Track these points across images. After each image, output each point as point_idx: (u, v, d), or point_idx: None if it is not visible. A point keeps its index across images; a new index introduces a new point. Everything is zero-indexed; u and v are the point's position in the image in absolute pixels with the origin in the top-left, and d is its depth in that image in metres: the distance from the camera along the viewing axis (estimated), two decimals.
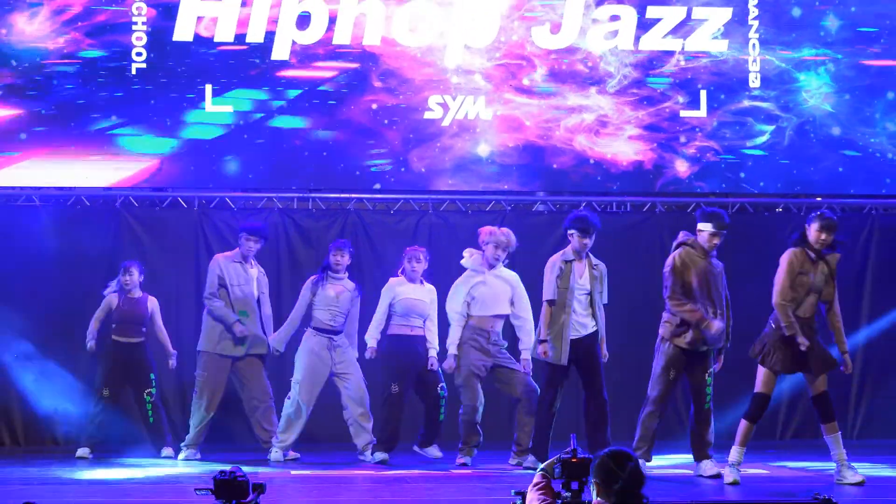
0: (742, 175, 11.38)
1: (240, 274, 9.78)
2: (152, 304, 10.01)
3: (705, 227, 8.63)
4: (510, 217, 11.05)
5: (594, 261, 9.11)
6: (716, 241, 8.58)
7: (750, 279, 10.00)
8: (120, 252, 10.63)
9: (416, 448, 9.63)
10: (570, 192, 11.30)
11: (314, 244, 10.86)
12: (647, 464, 8.50)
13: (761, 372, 8.27)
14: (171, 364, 10.04)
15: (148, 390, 9.90)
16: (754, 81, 11.39)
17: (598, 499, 4.14)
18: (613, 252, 10.64)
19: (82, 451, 9.89)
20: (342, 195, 11.07)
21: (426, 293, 9.65)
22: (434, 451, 9.58)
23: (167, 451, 9.93)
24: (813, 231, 8.27)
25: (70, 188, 10.67)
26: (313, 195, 11.06)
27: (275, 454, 9.58)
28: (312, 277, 9.72)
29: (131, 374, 9.90)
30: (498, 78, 11.12)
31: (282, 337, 9.77)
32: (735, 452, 8.24)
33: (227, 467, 4.55)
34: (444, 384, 9.57)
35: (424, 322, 9.59)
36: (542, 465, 4.58)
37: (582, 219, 9.01)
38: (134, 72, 10.72)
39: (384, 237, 10.99)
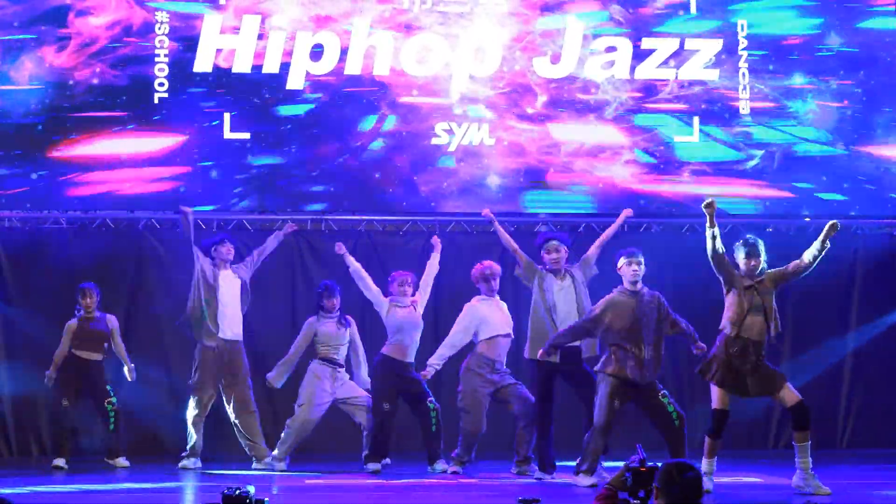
0: (734, 197, 11.79)
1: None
2: (111, 321, 10.44)
3: (621, 262, 8.92)
4: (514, 237, 10.93)
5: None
6: (633, 268, 8.78)
7: None
8: (144, 273, 11.18)
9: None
10: (569, 213, 11.65)
11: (328, 264, 11.16)
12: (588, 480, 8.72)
13: (712, 389, 8.46)
14: (131, 377, 10.44)
15: (108, 400, 10.28)
16: (744, 108, 11.85)
17: (658, 502, 4.45)
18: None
19: (57, 462, 10.18)
20: (353, 217, 11.47)
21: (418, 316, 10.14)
22: (440, 467, 9.80)
23: (122, 462, 10.27)
24: (741, 261, 8.41)
25: (95, 212, 11.18)
26: (326, 217, 11.44)
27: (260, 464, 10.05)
28: (311, 318, 10.13)
29: (88, 386, 10.32)
30: (501, 106, 11.55)
31: (280, 373, 10.16)
32: (706, 464, 8.34)
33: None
34: (432, 398, 9.95)
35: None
36: (610, 479, 4.81)
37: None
38: (157, 101, 11.21)
39: (393, 257, 11.28)
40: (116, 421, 10.32)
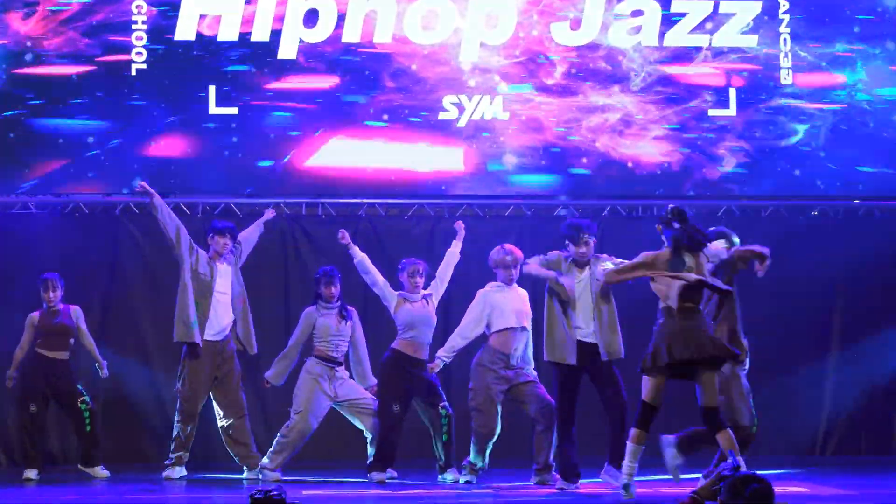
0: (775, 177, 11.19)
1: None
2: (76, 314, 9.74)
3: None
4: (530, 222, 10.97)
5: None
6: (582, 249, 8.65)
7: (788, 286, 10.02)
8: (121, 261, 10.63)
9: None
10: (593, 195, 11.15)
11: (325, 253, 10.67)
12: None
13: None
14: (103, 374, 9.78)
15: (81, 398, 9.66)
16: (786, 78, 11.19)
17: None
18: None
19: (28, 473, 9.59)
20: (353, 200, 10.95)
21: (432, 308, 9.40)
22: (450, 476, 9.15)
23: (101, 471, 9.68)
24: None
25: (67, 195, 10.62)
26: (322, 200, 10.93)
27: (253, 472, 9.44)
28: (310, 308, 9.41)
29: (55, 388, 9.67)
30: (516, 77, 10.98)
31: (280, 371, 9.47)
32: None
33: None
34: (445, 403, 9.21)
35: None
36: (697, 489, 4.93)
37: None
38: (134, 73, 10.64)
39: (397, 244, 10.79)
40: (92, 421, 9.69)
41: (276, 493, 4.52)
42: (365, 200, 10.91)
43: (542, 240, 10.42)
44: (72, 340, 9.69)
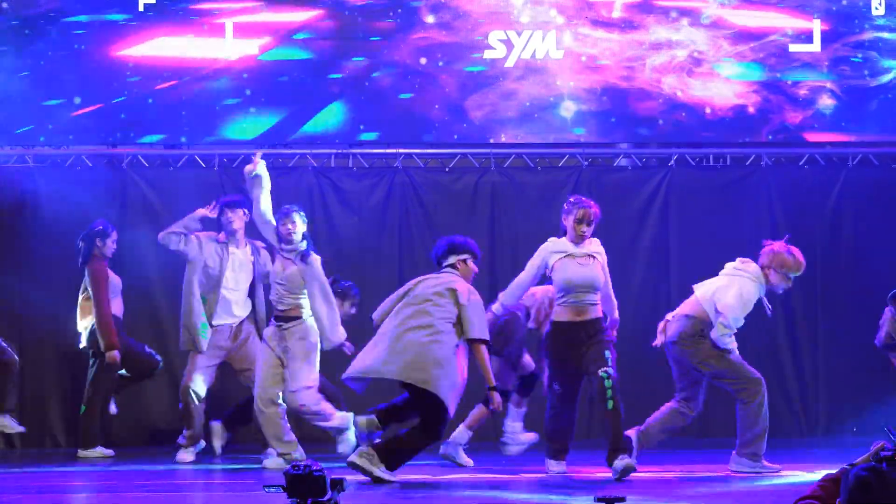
0: (865, 121, 10.58)
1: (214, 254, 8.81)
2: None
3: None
4: (587, 174, 10.48)
5: None
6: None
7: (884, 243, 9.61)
8: (127, 221, 9.93)
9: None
10: (657, 143, 10.68)
11: (355, 209, 10.28)
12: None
13: None
14: None
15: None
16: (878, 8, 10.52)
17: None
18: (711, 214, 10.47)
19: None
20: (388, 150, 10.43)
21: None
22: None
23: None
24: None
25: (68, 147, 10.10)
26: (354, 151, 10.38)
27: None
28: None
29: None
30: (572, 9, 10.39)
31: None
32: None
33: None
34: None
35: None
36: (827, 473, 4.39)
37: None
38: (142, 8, 10.05)
39: (438, 199, 10.42)
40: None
41: (316, 468, 4.26)
42: (401, 150, 10.35)
43: (601, 193, 10.14)
44: None
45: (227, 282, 8.72)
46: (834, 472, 4.29)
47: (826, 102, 10.46)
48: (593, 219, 7.84)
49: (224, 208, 8.74)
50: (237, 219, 8.71)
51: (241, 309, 8.83)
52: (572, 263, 7.76)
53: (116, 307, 9.09)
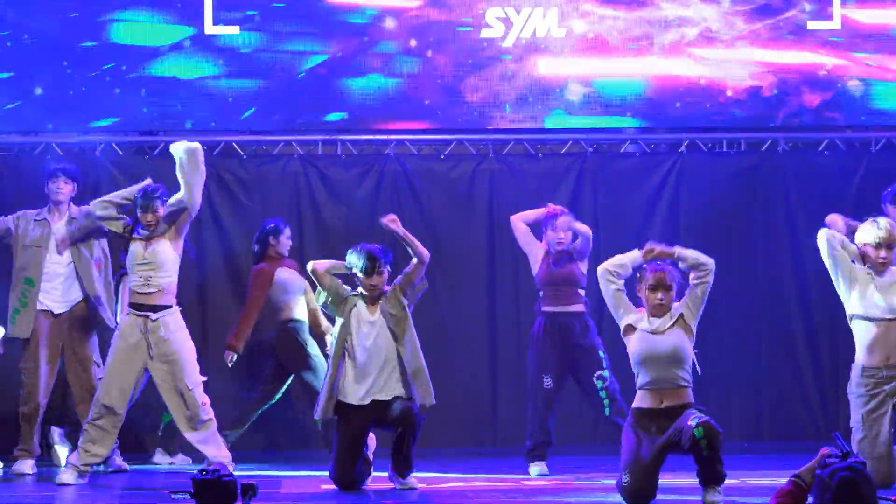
0: (889, 104, 10.39)
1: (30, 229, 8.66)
2: None
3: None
4: (592, 160, 10.34)
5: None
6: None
7: None
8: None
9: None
10: (667, 128, 10.55)
11: (343, 199, 10.15)
12: None
13: None
14: None
15: None
16: None
17: None
18: (724, 203, 10.31)
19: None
20: (378, 136, 10.35)
21: None
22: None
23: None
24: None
25: (36, 135, 10.00)
26: (342, 137, 10.25)
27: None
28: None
29: None
30: None
31: None
32: None
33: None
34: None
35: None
36: (800, 471, 4.75)
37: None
38: None
39: (433, 188, 10.32)
40: None
41: (225, 473, 4.44)
42: (392, 136, 10.23)
43: (606, 181, 10.34)
44: None
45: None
46: (784, 484, 4.69)
47: (848, 84, 10.29)
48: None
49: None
50: (58, 187, 8.65)
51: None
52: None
53: (300, 310, 9.00)
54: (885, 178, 9.84)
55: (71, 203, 8.65)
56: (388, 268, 7.78)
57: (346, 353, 7.59)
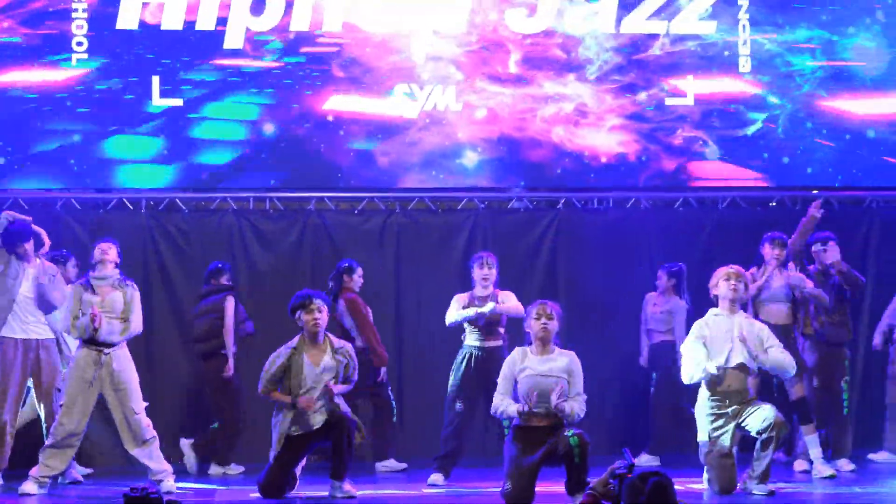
0: (733, 167, 11.27)
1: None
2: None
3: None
4: (484, 215, 11.06)
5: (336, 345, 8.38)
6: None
7: None
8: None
9: None
10: (547, 187, 11.27)
11: (273, 249, 10.80)
12: None
13: None
14: None
15: None
16: (745, 66, 11.28)
17: None
18: (596, 251, 10.86)
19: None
20: (302, 194, 10.98)
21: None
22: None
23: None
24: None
25: (4, 190, 10.52)
26: (271, 195, 10.94)
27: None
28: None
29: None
30: (470, 66, 11.02)
31: None
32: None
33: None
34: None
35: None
36: (593, 484, 4.96)
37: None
38: (74, 63, 10.60)
39: (348, 239, 10.90)
40: None
41: (152, 491, 4.54)
42: (313, 194, 10.92)
43: (496, 232, 10.83)
44: None
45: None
46: (583, 497, 4.89)
47: (698, 150, 11.12)
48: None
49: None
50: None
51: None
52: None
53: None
54: (731, 230, 10.87)
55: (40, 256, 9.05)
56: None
57: None
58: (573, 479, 7.44)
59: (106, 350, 8.38)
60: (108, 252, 8.60)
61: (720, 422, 8.07)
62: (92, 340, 8.38)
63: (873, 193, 11.45)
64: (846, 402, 9.78)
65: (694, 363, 8.10)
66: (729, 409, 8.04)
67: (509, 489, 7.51)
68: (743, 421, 8.05)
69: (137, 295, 8.62)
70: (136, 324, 8.55)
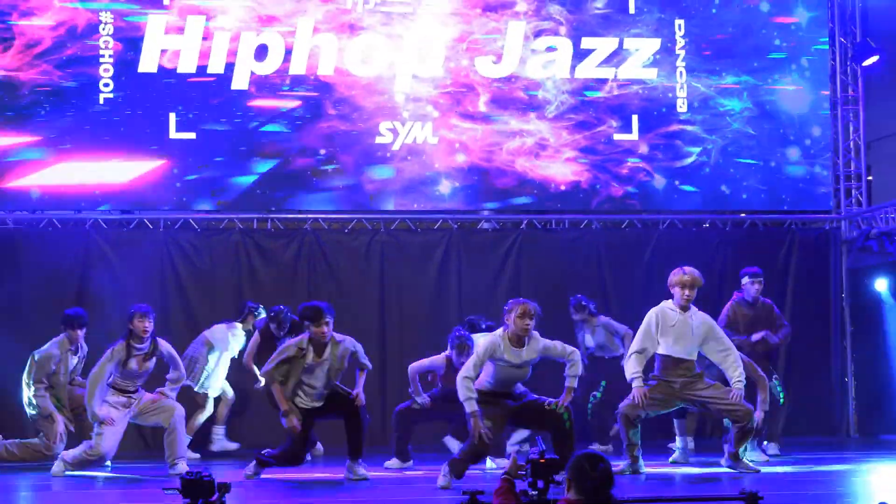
0: (672, 193, 12.40)
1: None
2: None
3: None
4: (457, 234, 12.01)
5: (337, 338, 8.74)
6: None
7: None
8: (90, 272, 11.45)
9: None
10: (512, 210, 12.29)
11: (274, 263, 11.76)
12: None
13: None
14: None
15: None
16: (682, 106, 12.45)
17: (570, 494, 4.51)
18: (554, 266, 11.88)
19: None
20: (300, 215, 11.96)
21: None
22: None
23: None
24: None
25: (42, 211, 11.54)
26: (272, 216, 11.92)
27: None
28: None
29: None
30: (445, 105, 12.12)
31: None
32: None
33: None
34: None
35: None
36: (507, 469, 4.96)
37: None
38: (102, 101, 11.65)
39: (338, 254, 11.87)
40: None
41: (206, 474, 4.68)
42: (310, 215, 11.95)
43: (468, 250, 11.87)
44: None
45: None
46: (499, 484, 4.82)
47: (642, 179, 12.16)
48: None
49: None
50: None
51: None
52: None
53: None
54: (669, 249, 11.65)
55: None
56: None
57: None
58: (567, 446, 7.79)
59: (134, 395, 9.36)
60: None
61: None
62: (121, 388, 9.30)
63: (793, 216, 12.61)
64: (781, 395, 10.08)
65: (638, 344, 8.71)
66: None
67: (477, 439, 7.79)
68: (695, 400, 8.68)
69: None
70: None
